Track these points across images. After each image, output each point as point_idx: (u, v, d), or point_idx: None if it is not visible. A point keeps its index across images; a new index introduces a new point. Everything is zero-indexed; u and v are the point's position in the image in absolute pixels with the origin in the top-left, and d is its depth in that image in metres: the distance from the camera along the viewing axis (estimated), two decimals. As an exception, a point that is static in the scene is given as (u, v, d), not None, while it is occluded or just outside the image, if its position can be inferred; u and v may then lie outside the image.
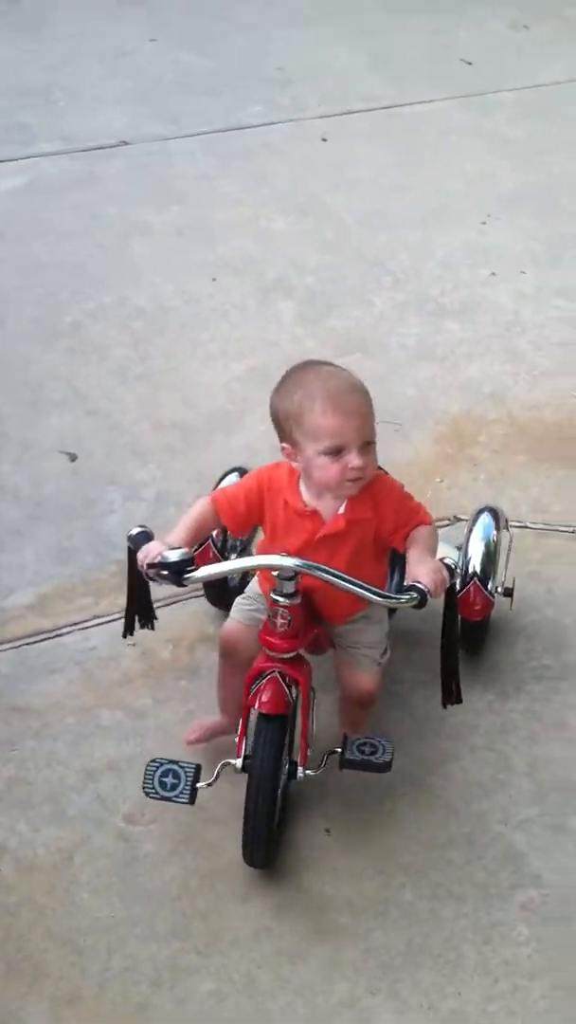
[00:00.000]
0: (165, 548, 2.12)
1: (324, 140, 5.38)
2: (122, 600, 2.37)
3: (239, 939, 2.24)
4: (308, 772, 2.30)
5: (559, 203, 4.99)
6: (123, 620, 2.38)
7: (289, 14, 6.76)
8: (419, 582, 2.09)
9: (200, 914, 2.28)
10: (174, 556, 2.10)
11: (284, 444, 2.21)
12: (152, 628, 2.40)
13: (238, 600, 2.47)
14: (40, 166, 5.06)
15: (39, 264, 4.38)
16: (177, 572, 2.10)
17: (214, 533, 2.61)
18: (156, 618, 2.38)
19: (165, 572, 2.09)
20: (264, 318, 4.11)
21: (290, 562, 2.12)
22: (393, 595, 2.14)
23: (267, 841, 2.26)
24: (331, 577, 2.09)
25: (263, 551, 2.37)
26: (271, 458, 2.38)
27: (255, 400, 3.65)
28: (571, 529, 3.26)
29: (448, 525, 3.21)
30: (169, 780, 2.25)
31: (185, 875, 2.34)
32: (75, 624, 2.92)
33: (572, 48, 6.66)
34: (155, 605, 2.37)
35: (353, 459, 2.14)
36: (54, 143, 5.22)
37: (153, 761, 2.29)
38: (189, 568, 2.11)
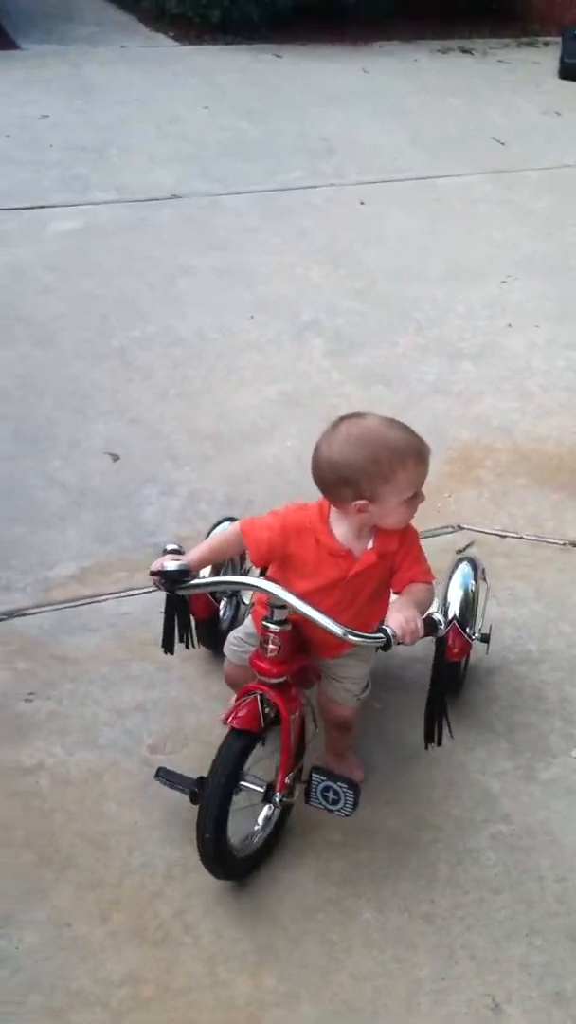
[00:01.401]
0: (168, 558, 2.32)
1: (362, 203, 5.86)
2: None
3: (242, 848, 2.56)
4: (283, 798, 2.42)
5: (572, 269, 5.41)
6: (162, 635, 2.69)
7: (332, 95, 7.32)
8: (389, 626, 2.19)
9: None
10: (172, 566, 2.30)
11: (359, 502, 2.25)
12: (191, 646, 2.75)
13: (228, 640, 2.60)
14: (95, 212, 5.55)
15: (90, 296, 4.83)
16: (172, 581, 2.30)
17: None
18: (195, 644, 2.73)
19: (162, 580, 2.30)
20: (296, 352, 4.53)
21: (270, 586, 2.26)
22: (359, 634, 2.19)
23: (218, 852, 2.35)
24: (304, 608, 2.20)
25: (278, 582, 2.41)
26: (296, 469, 2.70)
27: (284, 418, 4.08)
28: (561, 542, 3.61)
29: (452, 532, 3.58)
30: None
31: (198, 795, 2.66)
32: (111, 593, 3.28)
33: (598, 134, 7.17)
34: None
35: (421, 496, 2.32)
36: (109, 192, 5.72)
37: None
38: (184, 579, 2.31)
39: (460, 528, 3.61)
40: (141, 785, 2.69)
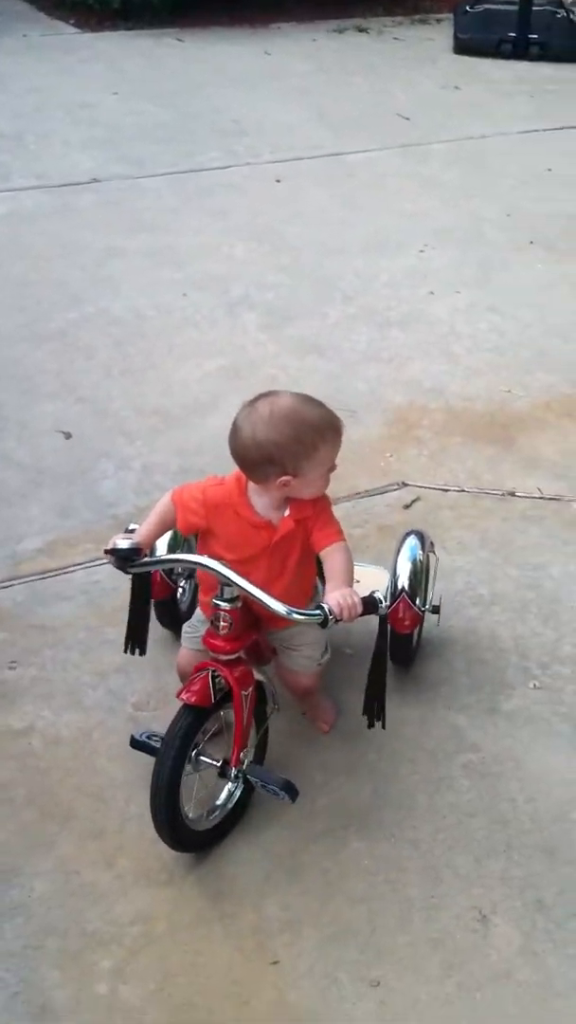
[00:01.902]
0: (120, 537, 2.37)
1: (278, 181, 6.00)
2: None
3: (233, 792, 2.70)
4: (238, 773, 2.52)
5: (485, 236, 5.63)
6: (124, 636, 2.71)
7: (238, 77, 7.45)
8: (326, 603, 2.28)
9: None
10: (123, 545, 2.36)
11: (285, 477, 2.34)
12: (142, 654, 2.73)
13: (185, 628, 2.69)
14: (18, 198, 5.61)
15: (23, 281, 4.90)
16: (124, 559, 2.36)
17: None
18: (143, 651, 2.72)
19: (114, 559, 2.36)
20: (230, 327, 4.66)
21: (217, 566, 2.32)
22: (298, 611, 2.28)
23: (170, 822, 2.43)
24: (247, 586, 2.29)
25: (204, 553, 2.48)
26: None
27: (226, 390, 4.22)
28: (500, 492, 3.81)
29: (397, 489, 3.76)
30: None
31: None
32: (79, 564, 3.39)
33: (497, 107, 7.42)
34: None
35: (334, 465, 2.42)
36: (30, 179, 5.78)
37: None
38: (134, 558, 2.37)
39: (404, 485, 3.79)
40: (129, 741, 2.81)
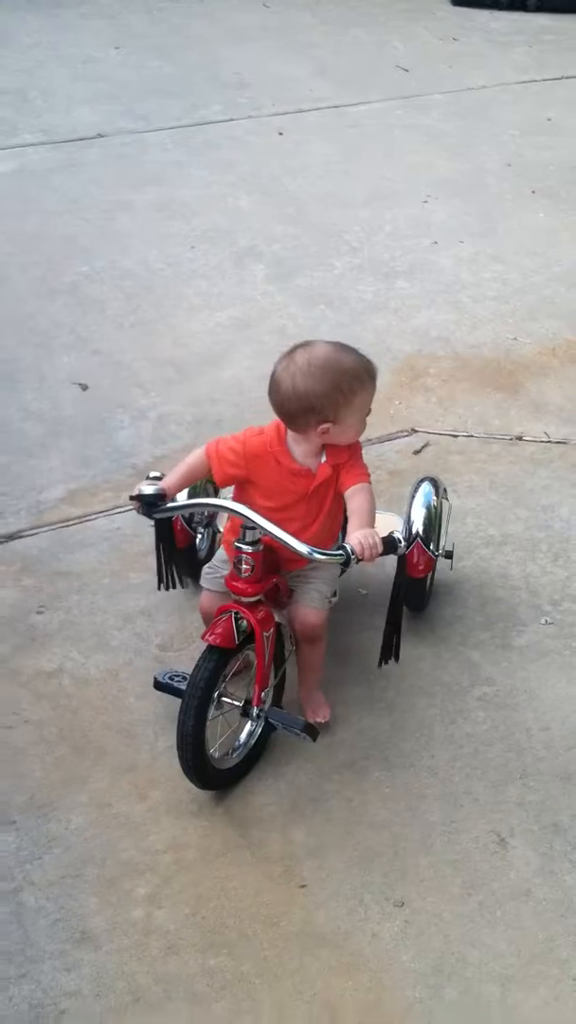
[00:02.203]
0: (146, 483, 2.46)
1: (280, 134, 6.02)
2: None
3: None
4: (259, 712, 2.61)
5: (488, 186, 5.67)
6: (156, 574, 2.88)
7: (238, 30, 7.45)
8: (348, 544, 2.36)
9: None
10: (148, 490, 2.45)
11: (325, 425, 2.44)
12: (176, 587, 2.91)
13: (204, 570, 2.75)
14: (25, 154, 5.64)
15: (34, 236, 4.95)
16: (149, 505, 2.45)
17: (185, 513, 2.95)
18: (180, 584, 2.91)
19: (140, 504, 2.45)
20: (239, 278, 4.72)
21: (240, 508, 2.42)
22: (323, 552, 2.35)
23: (196, 761, 2.52)
24: (271, 528, 2.37)
25: (241, 502, 2.55)
26: (255, 388, 2.89)
27: (236, 341, 4.28)
28: (509, 437, 3.89)
29: (407, 436, 3.84)
30: (177, 678, 2.68)
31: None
32: (100, 512, 3.47)
33: (495, 58, 7.41)
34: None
35: (369, 409, 2.52)
36: (36, 135, 5.80)
37: None
38: (159, 504, 2.46)
39: (414, 431, 3.87)
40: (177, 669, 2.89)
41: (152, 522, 2.68)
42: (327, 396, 2.40)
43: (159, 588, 2.92)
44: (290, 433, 2.53)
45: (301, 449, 2.53)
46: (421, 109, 6.48)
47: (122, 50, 6.96)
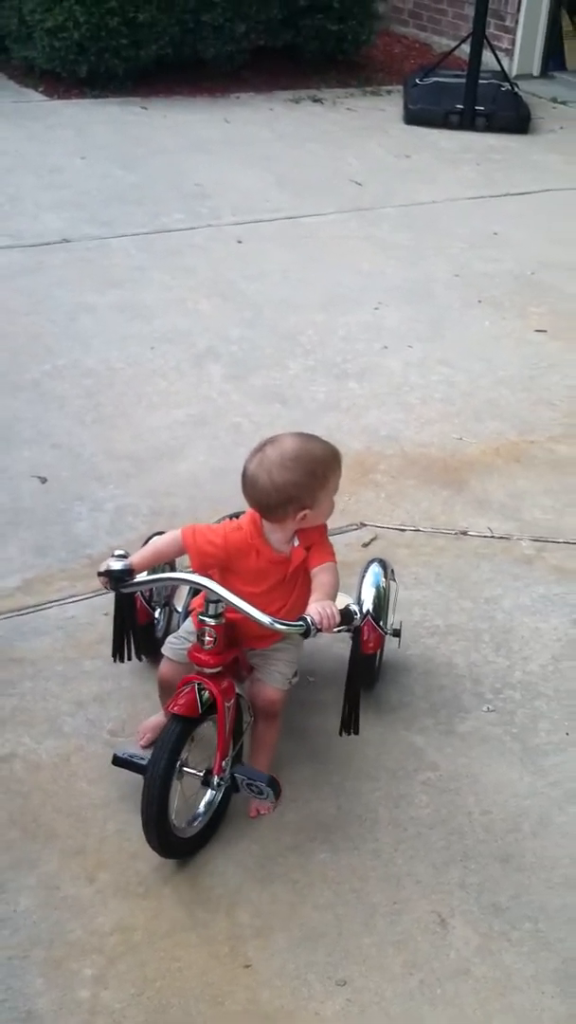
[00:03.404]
0: (114, 559, 2.57)
1: (239, 242, 6.26)
2: (94, 583, 2.94)
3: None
4: (221, 782, 2.68)
5: (436, 295, 5.91)
6: (112, 644, 2.96)
7: (200, 143, 7.77)
8: (308, 615, 2.48)
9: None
10: (117, 565, 2.57)
11: (304, 511, 2.58)
12: (130, 659, 2.98)
13: (169, 640, 2.85)
14: (-9, 258, 5.83)
15: (-2, 335, 5.10)
16: (116, 580, 2.57)
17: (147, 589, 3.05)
18: (136, 657, 2.98)
19: (107, 579, 2.57)
20: (197, 377, 4.88)
21: (206, 582, 2.54)
22: (284, 622, 2.50)
23: (160, 830, 2.58)
24: (234, 600, 2.50)
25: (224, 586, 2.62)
26: (211, 482, 3.08)
27: (193, 437, 4.42)
28: (454, 532, 4.03)
29: (356, 529, 3.98)
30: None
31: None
32: (55, 601, 3.55)
33: (445, 174, 7.76)
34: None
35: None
36: (3, 239, 6.00)
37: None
38: (127, 579, 2.58)
39: (363, 525, 4.00)
40: (107, 765, 2.90)
41: (115, 594, 2.78)
42: (305, 485, 2.56)
43: (114, 660, 2.99)
44: (266, 524, 2.66)
45: (277, 537, 2.67)
46: (374, 221, 6.76)
47: (88, 160, 7.22)
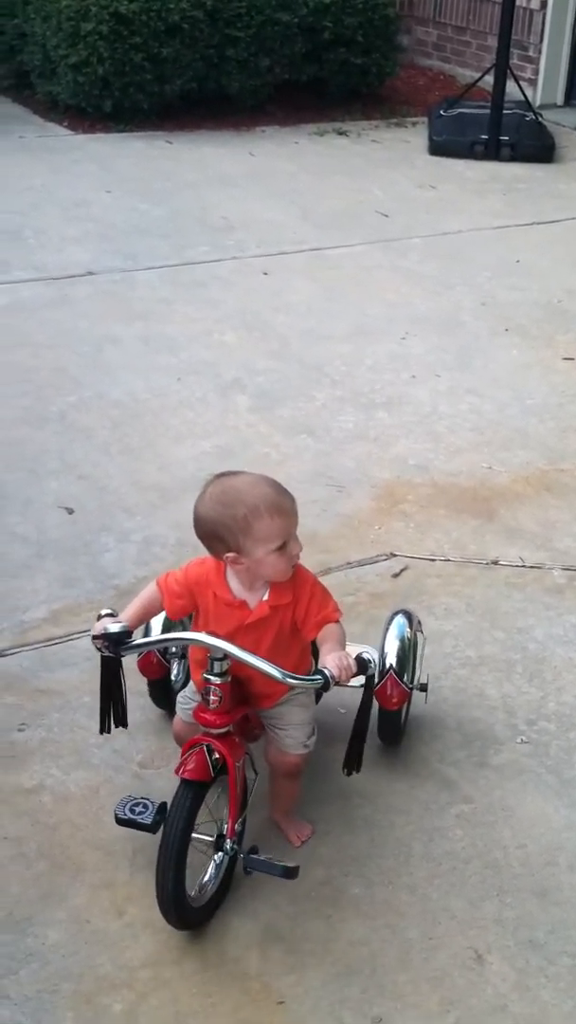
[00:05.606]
0: (108, 621, 2.46)
1: (265, 274, 6.27)
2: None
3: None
4: (233, 845, 2.57)
5: (463, 324, 5.89)
6: (99, 718, 2.72)
7: (225, 177, 7.81)
8: (326, 668, 2.38)
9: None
10: (114, 628, 2.44)
11: (229, 554, 2.46)
12: (125, 727, 2.77)
13: (178, 698, 2.77)
14: (17, 290, 5.86)
15: (24, 367, 5.11)
16: (115, 643, 2.45)
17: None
18: (126, 725, 2.76)
19: (106, 642, 2.45)
20: (224, 408, 4.87)
21: (211, 640, 2.42)
22: (298, 676, 2.41)
23: (177, 902, 2.47)
24: (243, 656, 2.37)
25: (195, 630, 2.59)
26: None
27: (220, 468, 4.31)
28: (485, 562, 3.99)
29: (386, 559, 3.94)
30: (139, 808, 2.59)
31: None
32: (83, 632, 3.52)
33: (471, 204, 7.76)
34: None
35: (294, 547, 2.48)
36: (29, 271, 6.04)
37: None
38: (126, 640, 2.47)
39: (393, 555, 3.96)
40: (137, 797, 2.93)
41: (101, 659, 2.61)
42: (224, 525, 2.43)
43: (101, 732, 2.76)
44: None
45: (236, 581, 2.56)
46: (400, 251, 6.76)
47: (113, 193, 7.27)
